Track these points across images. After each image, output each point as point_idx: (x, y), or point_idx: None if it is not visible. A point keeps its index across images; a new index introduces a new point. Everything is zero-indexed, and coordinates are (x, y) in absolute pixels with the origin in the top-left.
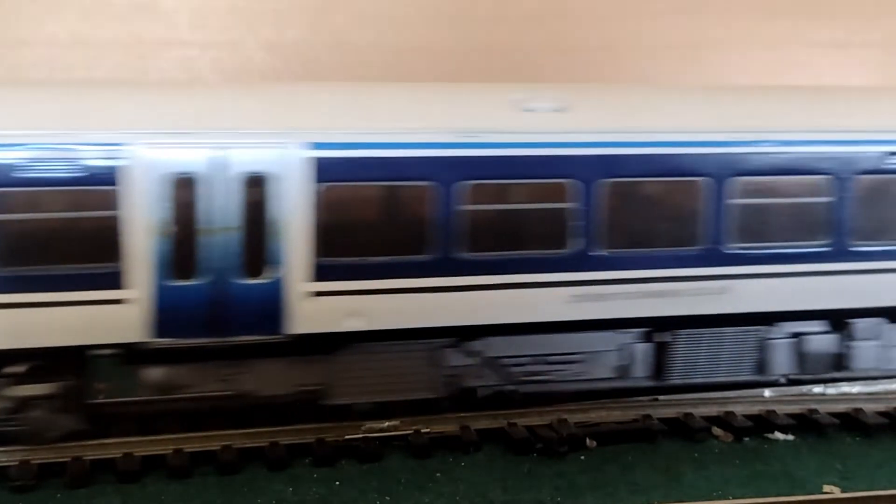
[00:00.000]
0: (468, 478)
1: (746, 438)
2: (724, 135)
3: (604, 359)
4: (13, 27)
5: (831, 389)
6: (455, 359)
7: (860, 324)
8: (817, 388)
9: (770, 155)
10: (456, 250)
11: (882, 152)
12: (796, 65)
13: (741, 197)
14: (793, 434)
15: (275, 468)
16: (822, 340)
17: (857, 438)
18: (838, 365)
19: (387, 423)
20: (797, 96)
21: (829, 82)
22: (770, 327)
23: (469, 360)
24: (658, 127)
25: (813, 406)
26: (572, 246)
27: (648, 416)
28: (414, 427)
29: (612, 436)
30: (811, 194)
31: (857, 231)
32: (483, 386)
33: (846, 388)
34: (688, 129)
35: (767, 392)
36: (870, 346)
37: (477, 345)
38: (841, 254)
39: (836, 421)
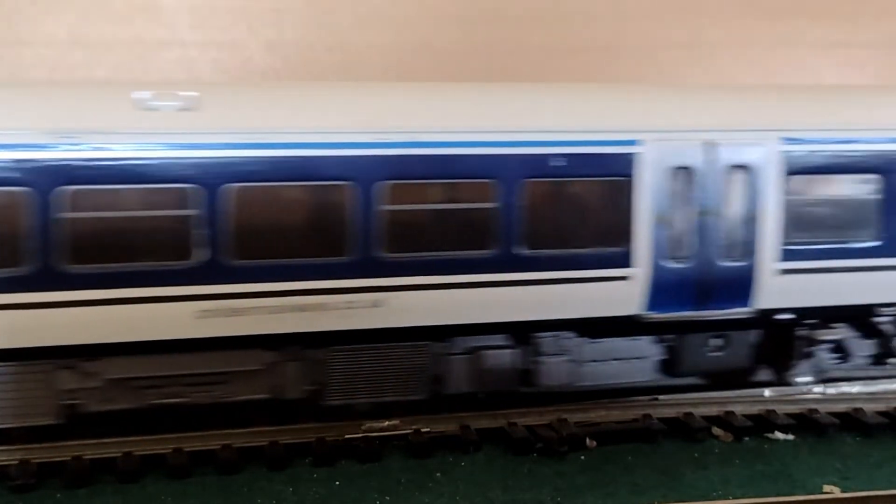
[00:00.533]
0: (468, 477)
1: (746, 438)
2: (370, 135)
3: (250, 378)
4: (13, 27)
5: (831, 389)
6: (72, 381)
7: (546, 338)
8: (817, 388)
9: (426, 157)
10: (57, 262)
11: (549, 154)
12: (797, 65)
13: (392, 203)
14: (793, 434)
15: (274, 468)
16: (501, 356)
17: (857, 438)
18: (524, 381)
19: (387, 423)
20: (464, 93)
21: (829, 83)
22: (446, 343)
23: (90, 383)
24: (295, 127)
25: (813, 406)
26: (197, 257)
27: (648, 416)
28: (414, 427)
29: (612, 435)
30: (473, 199)
31: (529, 238)
32: (110, 410)
33: (846, 387)
34: (329, 129)
35: (767, 392)
36: (557, 361)
37: (97, 365)
38: (511, 263)
39: (836, 421)
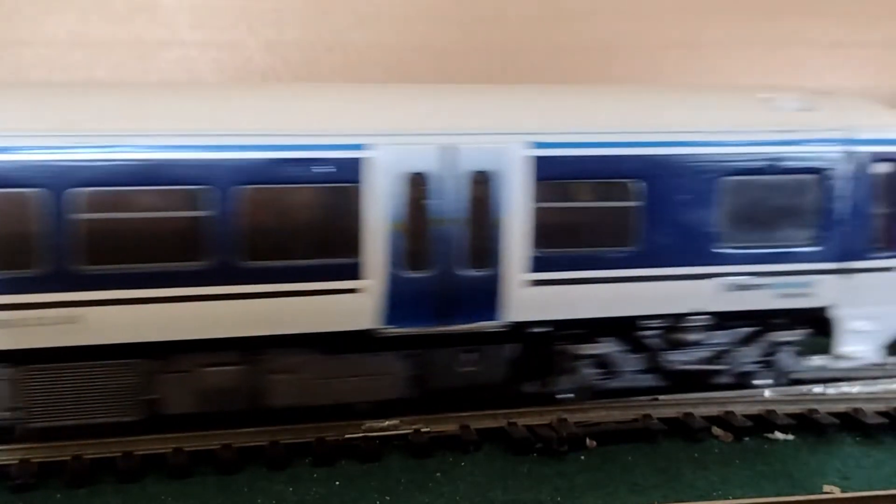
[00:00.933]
0: (468, 478)
1: (746, 438)
2: (59, 138)
3: None
4: (13, 27)
5: (831, 389)
6: None
7: (274, 354)
8: (817, 388)
9: (127, 163)
10: None
11: (268, 159)
12: (797, 65)
13: (89, 211)
14: (793, 434)
15: (275, 468)
16: (223, 374)
17: (857, 438)
18: (252, 400)
19: (387, 423)
20: (175, 94)
21: (829, 83)
22: (162, 361)
23: None
24: None
25: (813, 406)
26: None
27: (648, 416)
28: (414, 427)
29: (612, 435)
30: (182, 207)
31: (249, 249)
32: None
33: (846, 387)
34: (12, 132)
35: (767, 392)
36: (289, 378)
37: None
38: (229, 275)
39: (836, 421)
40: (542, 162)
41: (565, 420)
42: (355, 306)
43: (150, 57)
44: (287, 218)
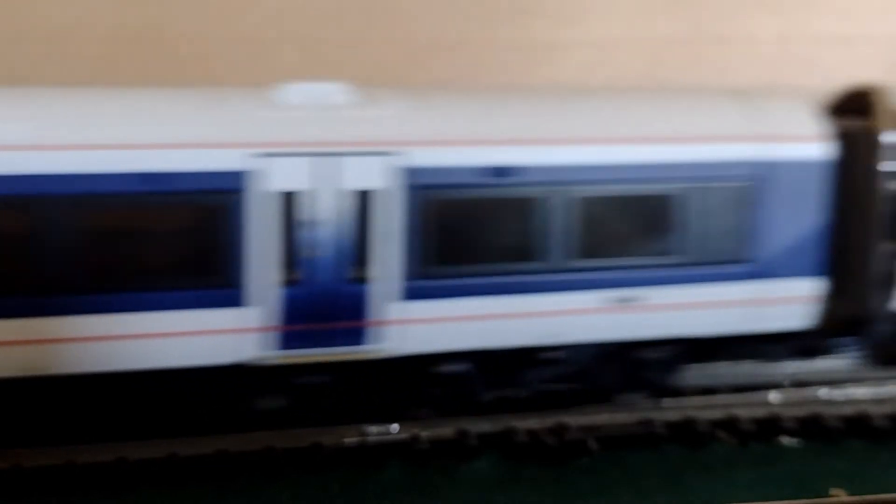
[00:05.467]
0: (469, 483)
1: (752, 442)
2: None
3: None
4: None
5: (837, 392)
6: None
7: None
8: (823, 391)
9: None
10: None
11: None
12: (801, 60)
13: None
14: (799, 438)
15: (272, 473)
16: None
17: (864, 442)
18: None
19: (386, 428)
20: None
21: (834, 78)
22: None
23: None
24: None
25: (819, 409)
26: None
27: (652, 420)
28: (414, 432)
29: (615, 440)
30: None
31: None
32: None
33: (853, 390)
34: None
35: (773, 395)
36: None
37: None
38: None
39: (842, 424)
40: None
41: (567, 424)
42: None
43: None
44: None
